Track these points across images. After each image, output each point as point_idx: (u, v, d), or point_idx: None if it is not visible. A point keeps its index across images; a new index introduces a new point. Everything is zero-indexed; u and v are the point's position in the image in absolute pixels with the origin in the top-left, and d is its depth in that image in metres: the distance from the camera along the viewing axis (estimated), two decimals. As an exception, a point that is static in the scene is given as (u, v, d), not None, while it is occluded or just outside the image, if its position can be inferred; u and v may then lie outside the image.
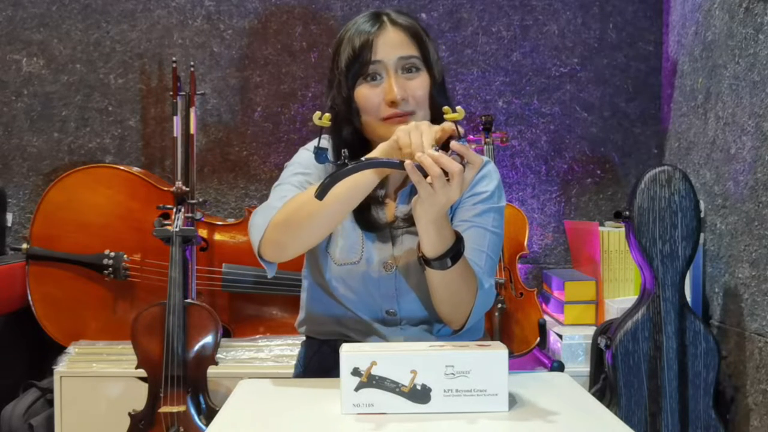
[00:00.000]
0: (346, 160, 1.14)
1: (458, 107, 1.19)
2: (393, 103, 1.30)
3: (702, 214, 2.14)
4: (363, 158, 1.16)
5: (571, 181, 2.78)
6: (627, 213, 2.03)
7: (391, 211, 1.41)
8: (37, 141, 2.74)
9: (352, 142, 1.36)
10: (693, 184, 2.02)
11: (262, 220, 1.30)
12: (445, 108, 1.20)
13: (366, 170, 1.19)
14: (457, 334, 1.37)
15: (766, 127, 1.93)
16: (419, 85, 1.33)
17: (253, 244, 1.32)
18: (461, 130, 1.17)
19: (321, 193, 1.16)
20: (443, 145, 1.16)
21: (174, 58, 2.54)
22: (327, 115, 1.20)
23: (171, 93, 2.43)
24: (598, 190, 2.79)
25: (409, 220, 1.37)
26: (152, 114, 2.74)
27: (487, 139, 2.54)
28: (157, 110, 2.74)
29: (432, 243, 1.22)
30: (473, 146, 2.54)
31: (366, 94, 1.33)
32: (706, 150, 2.31)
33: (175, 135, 2.41)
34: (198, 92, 2.51)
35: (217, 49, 2.74)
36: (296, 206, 1.27)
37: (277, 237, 1.28)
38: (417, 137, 1.15)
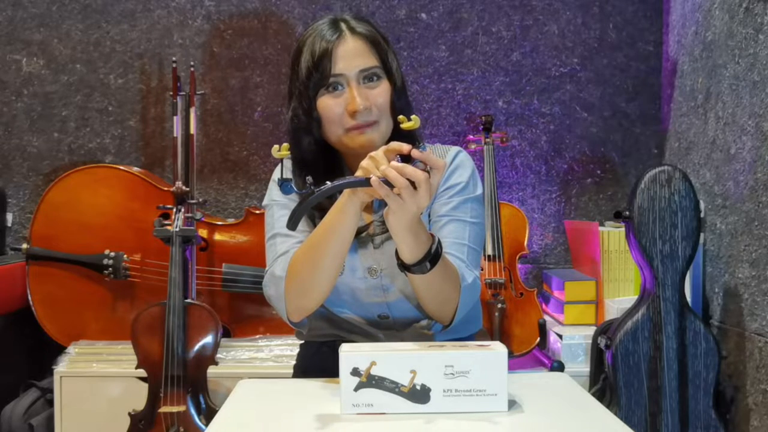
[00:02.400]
0: (311, 186, 1.15)
1: (413, 116, 1.20)
2: (356, 113, 1.32)
3: (702, 214, 2.14)
4: (327, 182, 1.17)
5: (571, 181, 2.78)
6: (627, 213, 2.03)
7: (368, 216, 1.41)
8: (37, 141, 2.74)
9: (313, 152, 1.38)
10: (693, 184, 2.02)
11: (275, 292, 1.34)
12: (401, 117, 1.22)
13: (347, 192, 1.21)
14: (447, 329, 1.37)
15: (766, 127, 1.93)
16: (380, 93, 1.35)
17: (282, 316, 1.36)
18: (406, 146, 1.16)
19: (293, 224, 1.18)
20: (405, 156, 1.17)
21: (174, 58, 2.54)
22: (285, 145, 1.21)
23: (171, 93, 2.44)
24: (598, 190, 2.79)
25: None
26: (152, 114, 2.74)
27: (487, 139, 2.54)
28: (157, 110, 2.74)
29: (410, 249, 1.22)
30: (473, 146, 2.55)
31: (328, 104, 1.34)
32: (706, 150, 2.31)
33: (175, 135, 2.41)
34: (198, 92, 2.51)
35: (217, 49, 2.74)
36: (300, 267, 1.30)
37: (297, 304, 1.33)
38: (377, 154, 1.18)
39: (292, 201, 1.37)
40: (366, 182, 1.15)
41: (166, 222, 2.17)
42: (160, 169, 2.73)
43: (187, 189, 2.33)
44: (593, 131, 2.78)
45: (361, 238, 1.39)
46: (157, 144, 2.74)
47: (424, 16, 2.75)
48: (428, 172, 1.14)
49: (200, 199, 2.37)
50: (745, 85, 2.04)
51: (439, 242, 1.25)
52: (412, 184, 1.13)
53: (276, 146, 1.20)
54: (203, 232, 2.42)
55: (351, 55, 1.33)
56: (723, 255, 2.17)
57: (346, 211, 1.24)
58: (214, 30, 2.74)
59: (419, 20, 2.75)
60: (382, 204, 1.37)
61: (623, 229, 2.16)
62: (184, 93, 2.46)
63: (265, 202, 1.45)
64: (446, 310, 1.33)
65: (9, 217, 2.72)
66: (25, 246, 2.36)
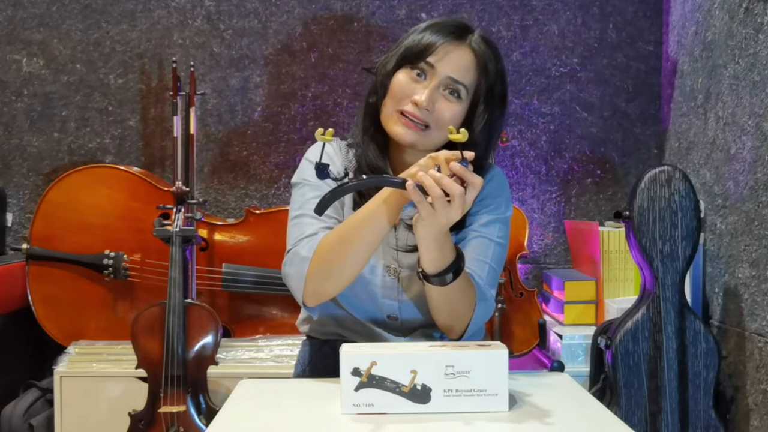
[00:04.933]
0: (347, 177, 1.15)
1: (462, 129, 1.19)
2: (416, 105, 1.31)
3: (702, 214, 2.14)
4: (364, 176, 1.17)
5: (571, 181, 2.78)
6: (627, 213, 2.03)
7: None
8: (37, 141, 2.74)
9: (371, 117, 1.38)
10: (693, 184, 2.02)
11: (296, 271, 1.31)
12: (450, 128, 1.20)
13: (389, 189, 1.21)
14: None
15: (766, 127, 1.94)
16: (449, 108, 1.32)
17: (296, 297, 1.35)
18: (469, 155, 1.16)
19: (320, 209, 1.19)
20: None
21: (174, 58, 2.54)
22: (330, 130, 1.20)
23: (171, 93, 2.43)
24: (598, 190, 2.79)
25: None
26: (152, 114, 2.74)
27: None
28: (157, 110, 2.74)
29: (432, 260, 1.23)
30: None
31: (402, 80, 1.33)
32: (706, 150, 2.31)
33: (175, 135, 2.41)
34: (198, 92, 2.51)
35: (217, 49, 2.74)
36: (328, 252, 1.28)
37: (318, 288, 1.31)
38: (422, 162, 1.19)
39: (325, 185, 1.34)
40: (401, 184, 1.15)
41: (166, 222, 2.17)
42: (160, 169, 2.73)
43: (187, 189, 2.33)
44: (593, 131, 2.78)
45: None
46: (157, 144, 2.74)
47: (424, 16, 2.75)
48: (465, 187, 1.14)
49: (200, 199, 2.37)
50: (745, 85, 2.04)
51: (463, 257, 1.26)
52: (447, 195, 1.13)
53: (320, 129, 1.19)
54: (203, 232, 2.42)
55: (454, 61, 1.32)
56: (723, 255, 2.17)
57: (389, 204, 1.23)
58: (214, 30, 2.74)
59: (419, 20, 2.75)
60: (409, 203, 1.38)
61: (623, 229, 2.16)
62: (184, 93, 2.46)
63: (295, 179, 1.42)
64: (458, 325, 1.33)
65: (9, 217, 2.72)
66: (25, 246, 2.36)
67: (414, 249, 1.36)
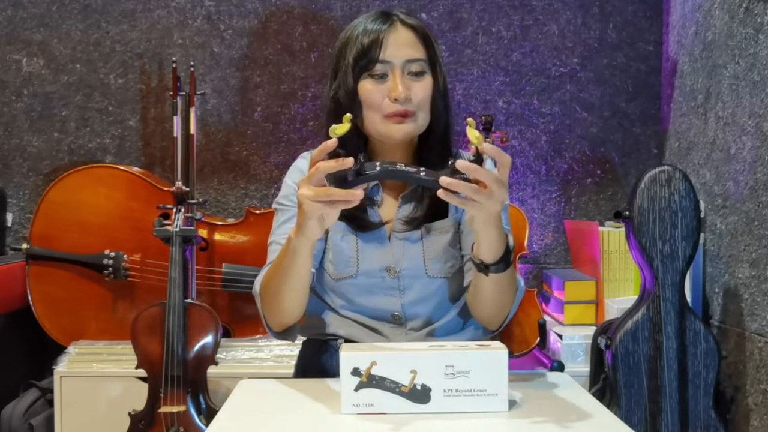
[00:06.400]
0: (360, 162, 1.13)
1: (469, 119, 1.20)
2: (396, 101, 1.32)
3: (702, 214, 2.14)
4: (399, 165, 1.15)
5: (571, 181, 2.78)
6: (627, 213, 2.03)
7: (390, 211, 1.40)
8: (37, 141, 2.74)
9: (351, 135, 1.36)
10: (693, 184, 2.02)
11: (257, 303, 1.38)
12: (469, 120, 1.21)
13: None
14: (492, 334, 1.40)
15: (766, 127, 1.94)
16: (423, 87, 1.35)
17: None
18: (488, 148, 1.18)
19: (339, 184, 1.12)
20: (478, 154, 1.16)
21: (174, 58, 2.54)
22: (348, 115, 1.18)
23: (171, 93, 2.43)
24: (598, 190, 2.79)
25: (410, 224, 1.37)
26: (152, 114, 2.74)
27: (487, 139, 2.52)
28: (157, 110, 2.74)
29: (492, 249, 1.22)
30: (472, 146, 2.54)
31: (370, 89, 1.34)
32: (706, 150, 2.31)
33: (175, 135, 2.41)
34: (198, 92, 2.51)
35: (217, 49, 2.74)
36: (268, 286, 1.32)
37: (273, 319, 1.36)
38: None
39: (294, 209, 1.35)
40: (435, 184, 1.13)
41: (166, 222, 2.17)
42: (160, 169, 2.73)
43: (187, 189, 2.33)
44: (593, 131, 2.78)
45: (381, 236, 1.38)
46: (157, 144, 2.74)
47: (424, 16, 2.74)
48: (471, 180, 1.12)
49: (200, 199, 2.37)
50: (745, 85, 2.04)
51: (507, 237, 1.26)
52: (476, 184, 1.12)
53: (334, 126, 1.15)
54: (203, 232, 2.42)
55: (400, 44, 1.34)
56: (723, 255, 2.17)
57: (298, 254, 1.23)
58: (214, 30, 2.74)
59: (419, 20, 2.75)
60: (409, 201, 1.38)
61: (623, 229, 2.16)
62: (184, 93, 2.46)
63: (274, 204, 1.44)
64: (501, 315, 1.36)
65: (9, 217, 2.72)
66: (25, 246, 2.36)
67: (408, 249, 1.36)
